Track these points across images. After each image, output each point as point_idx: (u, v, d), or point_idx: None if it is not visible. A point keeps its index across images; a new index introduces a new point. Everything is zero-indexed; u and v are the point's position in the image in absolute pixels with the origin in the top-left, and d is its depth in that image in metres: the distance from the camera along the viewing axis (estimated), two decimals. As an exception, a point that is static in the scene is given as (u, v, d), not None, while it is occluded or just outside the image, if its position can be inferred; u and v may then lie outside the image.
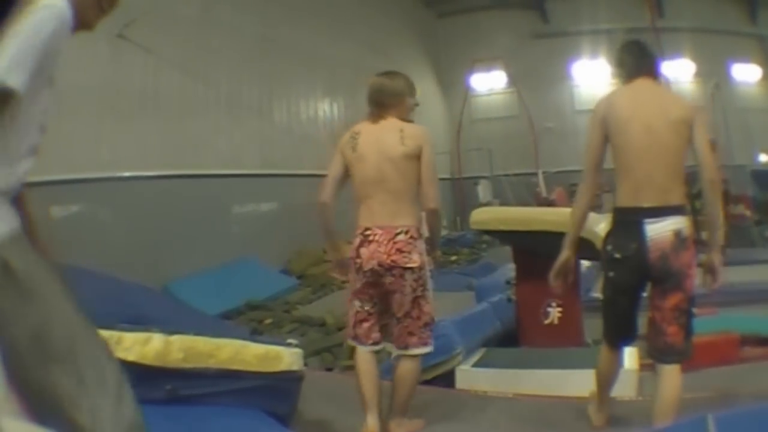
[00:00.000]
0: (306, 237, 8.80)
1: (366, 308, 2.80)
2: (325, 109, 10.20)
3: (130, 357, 2.16)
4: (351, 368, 4.31)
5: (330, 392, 3.34)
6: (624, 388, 3.29)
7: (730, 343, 3.79)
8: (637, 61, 2.61)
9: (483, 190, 12.74)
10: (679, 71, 12.45)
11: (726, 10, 12.83)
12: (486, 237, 9.41)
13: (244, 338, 2.59)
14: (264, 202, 8.53)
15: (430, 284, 2.80)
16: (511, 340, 4.25)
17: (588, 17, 12.66)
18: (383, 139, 2.78)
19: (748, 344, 3.84)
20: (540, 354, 3.83)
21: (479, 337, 3.97)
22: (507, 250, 5.17)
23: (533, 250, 4.23)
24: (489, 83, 14.35)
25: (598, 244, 3.90)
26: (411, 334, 2.78)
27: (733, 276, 5.93)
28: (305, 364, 2.67)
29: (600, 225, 4.21)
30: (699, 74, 12.73)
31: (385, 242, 2.71)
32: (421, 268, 2.75)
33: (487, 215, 4.80)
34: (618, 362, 2.74)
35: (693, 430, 2.18)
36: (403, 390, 2.78)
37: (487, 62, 13.77)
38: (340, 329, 5.16)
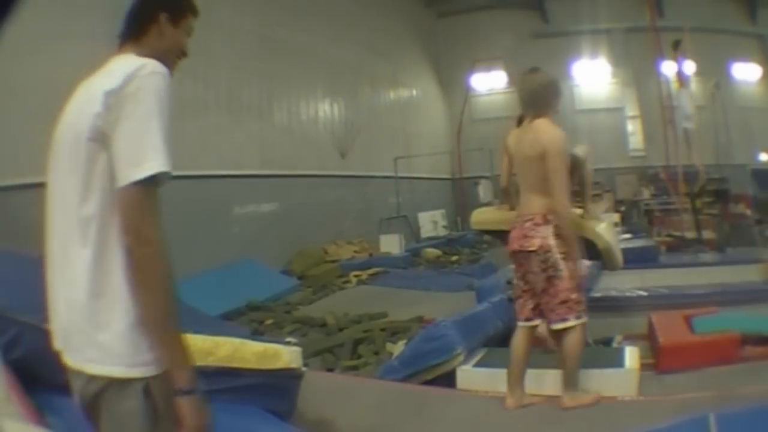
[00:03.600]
0: (306, 237, 8.82)
1: (520, 285, 3.20)
2: (325, 109, 10.20)
3: (130, 357, 2.15)
4: (352, 369, 4.32)
5: (331, 393, 3.34)
6: (624, 388, 3.30)
7: (730, 343, 3.78)
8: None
9: (483, 190, 12.73)
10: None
11: (726, 9, 12.85)
12: (486, 237, 9.40)
13: (242, 336, 2.59)
14: (264, 202, 8.53)
15: (562, 266, 3.03)
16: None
17: (588, 17, 12.65)
18: (525, 139, 3.14)
19: (748, 343, 3.84)
20: (540, 354, 3.82)
21: (480, 338, 3.96)
22: (507, 250, 5.17)
23: (533, 250, 4.23)
24: (489, 83, 14.34)
25: (599, 244, 3.92)
26: (551, 310, 3.08)
27: (733, 275, 5.96)
28: (306, 365, 2.67)
29: (601, 224, 4.22)
30: (699, 73, 12.72)
31: (519, 228, 3.11)
32: (545, 251, 3.02)
33: (487, 215, 4.79)
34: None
35: (694, 429, 2.18)
36: (564, 363, 3.08)
37: (487, 62, 13.77)
38: (341, 330, 5.15)
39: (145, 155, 1.30)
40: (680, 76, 9.43)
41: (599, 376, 3.33)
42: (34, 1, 4.21)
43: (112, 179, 1.30)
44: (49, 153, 1.41)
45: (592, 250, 4.07)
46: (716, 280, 5.66)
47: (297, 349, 2.63)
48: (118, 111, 1.29)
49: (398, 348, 4.29)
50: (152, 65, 1.36)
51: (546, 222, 3.02)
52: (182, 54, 1.58)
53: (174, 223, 6.86)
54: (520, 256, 3.12)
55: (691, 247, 8.33)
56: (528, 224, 3.07)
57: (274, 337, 4.47)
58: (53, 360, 2.04)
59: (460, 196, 13.71)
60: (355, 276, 7.84)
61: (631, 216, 11.79)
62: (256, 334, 4.83)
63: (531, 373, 3.22)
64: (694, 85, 12.64)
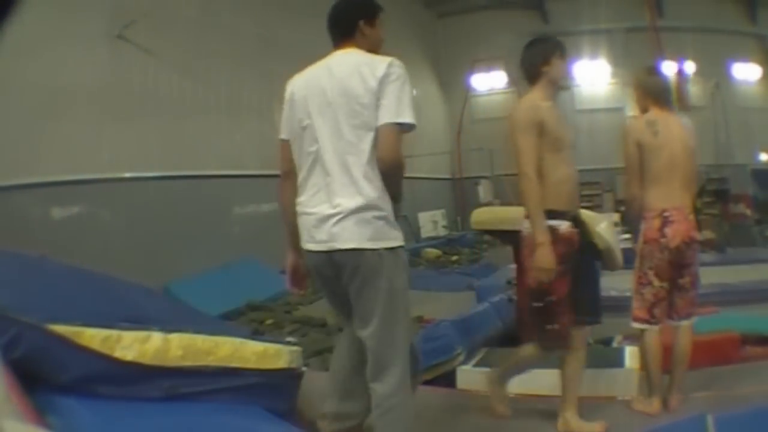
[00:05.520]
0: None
1: (665, 286, 3.01)
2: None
3: (129, 355, 2.16)
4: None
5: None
6: (624, 388, 3.30)
7: (730, 343, 3.78)
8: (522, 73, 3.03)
9: (484, 190, 12.74)
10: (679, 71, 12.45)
11: (726, 9, 12.84)
12: (487, 237, 9.41)
13: (242, 336, 2.59)
14: (264, 202, 8.52)
15: None
16: (512, 340, 4.25)
17: (588, 17, 12.65)
18: (679, 129, 3.07)
19: (748, 343, 3.84)
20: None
21: (480, 338, 3.96)
22: (508, 250, 5.15)
23: (533, 250, 4.23)
24: (489, 83, 14.35)
25: (599, 244, 3.92)
26: (693, 303, 3.05)
27: (733, 275, 5.96)
28: (306, 365, 2.67)
29: (602, 224, 4.21)
30: (699, 74, 12.74)
31: (683, 220, 2.98)
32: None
33: (487, 215, 4.78)
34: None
35: (692, 429, 2.18)
36: (685, 362, 3.02)
37: (487, 62, 13.77)
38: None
39: (403, 111, 2.14)
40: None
41: (599, 376, 3.33)
42: (34, 1, 4.22)
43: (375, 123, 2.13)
44: (306, 105, 2.24)
45: (591, 250, 4.07)
46: (716, 280, 5.66)
47: (297, 349, 2.63)
48: (385, 86, 2.15)
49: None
50: (396, 61, 2.23)
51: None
52: (382, 44, 2.38)
53: (174, 223, 6.86)
54: (687, 250, 2.97)
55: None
56: (690, 217, 3.01)
57: (275, 337, 4.47)
58: (53, 360, 2.05)
59: (460, 196, 13.71)
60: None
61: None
62: (256, 334, 4.83)
63: (539, 373, 3.22)
64: (694, 85, 12.69)
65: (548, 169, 2.74)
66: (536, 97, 2.85)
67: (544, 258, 2.62)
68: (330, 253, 2.15)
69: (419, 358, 2.48)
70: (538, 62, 2.91)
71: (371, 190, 2.13)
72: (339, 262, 2.15)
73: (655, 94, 3.10)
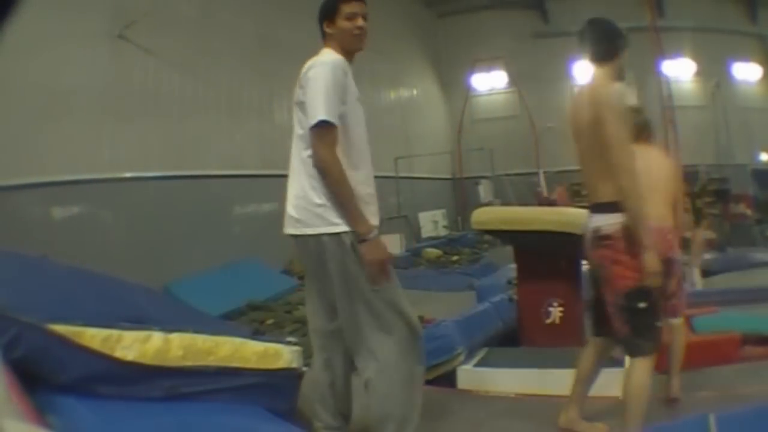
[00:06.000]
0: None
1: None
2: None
3: (130, 355, 2.16)
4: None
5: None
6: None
7: (730, 343, 3.78)
8: (588, 49, 2.70)
9: (484, 190, 12.73)
10: (680, 70, 12.46)
11: (726, 9, 12.83)
12: (487, 237, 9.41)
13: (243, 336, 2.59)
14: (264, 202, 8.52)
15: None
16: (512, 340, 4.25)
17: (588, 17, 12.61)
18: (659, 158, 3.33)
19: (748, 343, 3.84)
20: (541, 354, 3.82)
21: (481, 337, 3.96)
22: (508, 250, 5.17)
23: (534, 250, 4.23)
24: (489, 83, 14.34)
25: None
26: (681, 303, 3.35)
27: (734, 275, 5.96)
28: (306, 365, 2.67)
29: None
30: (699, 73, 12.73)
31: (661, 241, 2.95)
32: None
33: (488, 215, 4.79)
34: (591, 355, 2.82)
35: (694, 429, 2.18)
36: (682, 356, 3.24)
37: (487, 62, 13.76)
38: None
39: (315, 111, 2.30)
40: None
41: (599, 376, 3.32)
42: (35, 1, 4.21)
43: None
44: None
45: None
46: (716, 280, 5.66)
47: (298, 349, 2.63)
48: (305, 91, 2.35)
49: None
50: (321, 60, 2.34)
51: None
52: (356, 33, 2.40)
53: (174, 223, 6.87)
54: (665, 267, 2.76)
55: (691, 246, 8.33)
56: (670, 236, 3.15)
57: (275, 337, 4.47)
58: (53, 360, 2.05)
59: (460, 196, 13.70)
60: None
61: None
62: (256, 334, 4.83)
63: (539, 373, 3.22)
64: (694, 85, 12.68)
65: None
66: (611, 79, 2.60)
67: (653, 263, 2.42)
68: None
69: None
70: (620, 44, 2.70)
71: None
72: None
73: (636, 131, 3.07)
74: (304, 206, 2.30)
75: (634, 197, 2.40)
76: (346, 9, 2.37)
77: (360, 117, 2.41)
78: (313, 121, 2.21)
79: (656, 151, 3.34)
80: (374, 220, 2.34)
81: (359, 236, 2.23)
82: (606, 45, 2.66)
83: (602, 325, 2.69)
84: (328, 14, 2.40)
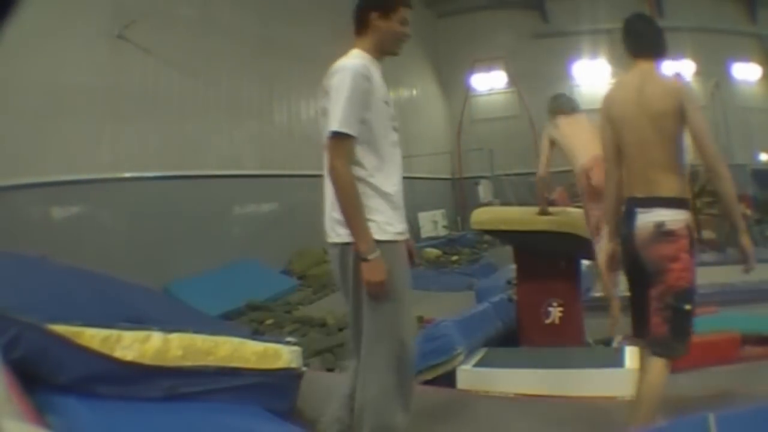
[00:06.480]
0: (306, 237, 8.81)
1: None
2: (326, 109, 10.16)
3: (129, 355, 2.16)
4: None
5: (331, 392, 3.33)
6: (624, 388, 3.30)
7: (730, 343, 3.78)
8: (636, 42, 2.65)
9: (484, 190, 12.73)
10: (680, 70, 12.45)
11: (726, 9, 12.83)
12: (487, 237, 9.41)
13: (242, 336, 2.59)
14: (264, 202, 8.53)
15: None
16: (512, 340, 4.25)
17: (588, 17, 12.65)
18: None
19: (748, 343, 3.83)
20: (541, 354, 3.83)
21: (480, 337, 3.96)
22: (508, 250, 5.17)
23: (534, 250, 4.23)
24: (489, 83, 14.33)
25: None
26: None
27: (733, 275, 5.95)
28: (306, 365, 2.67)
29: (600, 224, 4.21)
30: (699, 73, 12.73)
31: None
32: None
33: (487, 215, 4.79)
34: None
35: (694, 429, 2.17)
36: None
37: (487, 62, 13.77)
38: (340, 330, 5.15)
39: (332, 121, 2.18)
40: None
41: (599, 376, 3.33)
42: (34, 1, 4.21)
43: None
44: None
45: (591, 249, 4.07)
46: (716, 280, 5.66)
47: (297, 349, 2.63)
48: (329, 98, 2.22)
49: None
50: (342, 65, 2.28)
51: None
52: (402, 39, 2.39)
53: (174, 223, 6.87)
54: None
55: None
56: None
57: (275, 337, 4.47)
58: (53, 360, 2.05)
59: (460, 196, 13.71)
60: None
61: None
62: (256, 334, 4.83)
63: (540, 373, 3.22)
64: (693, 85, 12.68)
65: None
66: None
67: (749, 247, 2.49)
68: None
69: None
70: (663, 39, 2.69)
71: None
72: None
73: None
74: (329, 213, 2.28)
75: (729, 183, 2.44)
76: (404, 14, 2.36)
77: (387, 120, 2.36)
78: (328, 131, 2.17)
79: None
80: (400, 225, 2.34)
81: (360, 254, 2.15)
82: (659, 40, 2.67)
83: (644, 326, 2.56)
84: (383, 8, 2.32)
